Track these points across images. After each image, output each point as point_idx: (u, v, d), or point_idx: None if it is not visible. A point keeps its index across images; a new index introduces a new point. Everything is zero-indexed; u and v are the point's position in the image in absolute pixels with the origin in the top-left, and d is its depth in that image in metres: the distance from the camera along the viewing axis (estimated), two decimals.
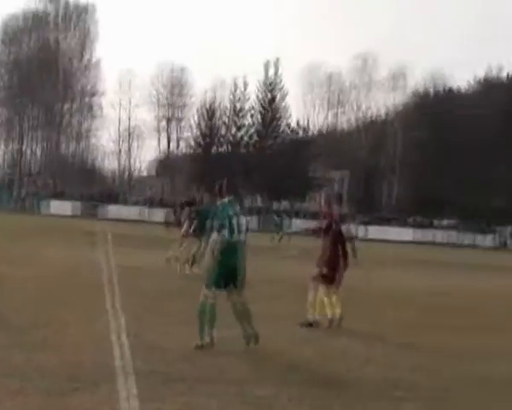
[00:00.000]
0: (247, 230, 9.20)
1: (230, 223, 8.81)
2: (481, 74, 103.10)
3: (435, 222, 73.52)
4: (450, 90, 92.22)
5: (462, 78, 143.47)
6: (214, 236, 8.85)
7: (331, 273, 11.01)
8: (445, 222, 73.80)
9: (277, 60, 76.43)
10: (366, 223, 63.81)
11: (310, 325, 10.84)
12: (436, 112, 79.90)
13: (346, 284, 11.49)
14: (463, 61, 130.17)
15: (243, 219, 9.06)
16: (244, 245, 8.98)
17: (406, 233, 61.59)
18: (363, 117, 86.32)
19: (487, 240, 67.18)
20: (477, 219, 72.77)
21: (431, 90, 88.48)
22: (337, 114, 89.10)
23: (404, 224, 66.74)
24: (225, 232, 8.79)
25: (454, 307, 15.16)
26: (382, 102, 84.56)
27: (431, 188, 75.67)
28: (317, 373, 7.99)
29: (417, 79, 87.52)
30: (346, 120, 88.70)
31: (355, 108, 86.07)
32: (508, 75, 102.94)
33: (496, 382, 7.99)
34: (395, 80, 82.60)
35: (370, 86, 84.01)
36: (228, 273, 8.78)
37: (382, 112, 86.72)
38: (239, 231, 8.88)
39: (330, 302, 10.98)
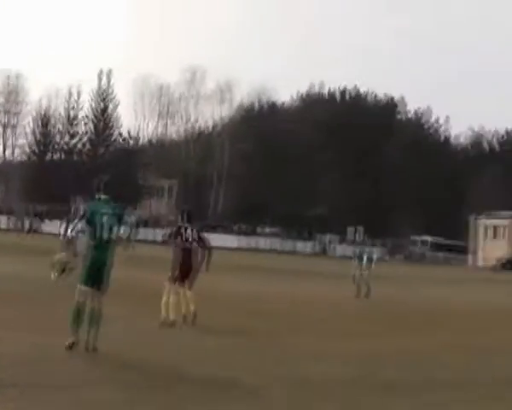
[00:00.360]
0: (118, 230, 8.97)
1: (101, 221, 8.70)
2: (304, 90, 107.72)
3: (259, 229, 75.47)
4: (274, 104, 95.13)
5: (286, 93, 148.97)
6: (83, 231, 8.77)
7: (184, 276, 11.84)
8: (268, 230, 75.88)
9: (110, 71, 76.87)
10: None
11: (171, 324, 11.40)
12: (261, 125, 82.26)
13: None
14: (287, 76, 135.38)
15: (114, 219, 8.83)
16: (113, 244, 8.86)
17: (232, 240, 62.66)
18: (192, 128, 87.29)
19: (308, 247, 69.73)
20: (299, 226, 75.64)
21: (256, 104, 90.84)
22: (167, 124, 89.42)
23: (230, 231, 67.95)
24: (94, 230, 8.69)
25: (276, 312, 15.65)
26: (210, 114, 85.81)
27: (255, 197, 77.75)
28: (153, 374, 8.03)
29: (244, 93, 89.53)
30: (175, 130, 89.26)
31: (184, 119, 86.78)
32: (329, 91, 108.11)
33: (316, 382, 8.25)
34: (222, 93, 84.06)
35: (199, 99, 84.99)
36: (95, 272, 8.69)
37: (210, 124, 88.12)
38: (110, 231, 8.75)
39: (183, 301, 11.76)
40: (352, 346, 11.29)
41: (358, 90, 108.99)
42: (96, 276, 8.69)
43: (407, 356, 10.70)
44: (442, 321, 16.46)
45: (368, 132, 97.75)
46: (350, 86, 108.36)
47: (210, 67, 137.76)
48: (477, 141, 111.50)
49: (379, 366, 9.50)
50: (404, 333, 13.55)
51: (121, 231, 8.96)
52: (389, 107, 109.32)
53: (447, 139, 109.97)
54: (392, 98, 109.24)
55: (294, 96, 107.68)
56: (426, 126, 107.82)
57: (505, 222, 76.64)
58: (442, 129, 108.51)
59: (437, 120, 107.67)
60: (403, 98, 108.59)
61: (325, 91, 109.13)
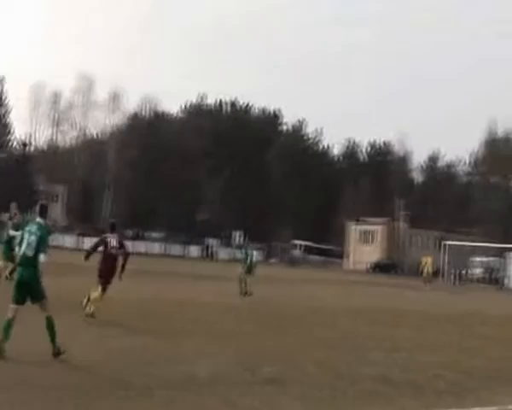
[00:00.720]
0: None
1: (27, 240, 9.15)
2: (191, 101, 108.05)
3: (148, 234, 74.91)
4: (162, 114, 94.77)
5: (174, 103, 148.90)
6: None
7: (106, 279, 13.66)
8: (156, 234, 75.43)
9: (3, 77, 75.44)
10: (82, 234, 63.48)
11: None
12: (148, 133, 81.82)
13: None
14: (175, 87, 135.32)
15: (37, 238, 9.15)
16: (37, 261, 9.07)
17: None
18: (83, 135, 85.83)
19: (195, 251, 69.64)
20: (186, 231, 75.67)
21: (144, 113, 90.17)
22: (60, 131, 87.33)
23: (121, 236, 66.72)
24: (21, 247, 9.25)
25: (167, 314, 15.78)
26: (100, 122, 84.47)
27: (144, 203, 77.22)
28: (54, 376, 8.05)
29: (133, 102, 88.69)
30: (68, 137, 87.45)
31: (76, 126, 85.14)
32: (215, 103, 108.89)
33: (204, 380, 8.45)
34: (112, 102, 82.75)
35: (90, 106, 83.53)
36: (24, 288, 9.13)
37: (100, 131, 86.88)
38: (35, 249, 9.09)
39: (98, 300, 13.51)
40: (236, 345, 11.55)
41: (241, 102, 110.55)
42: (25, 292, 9.11)
43: (284, 353, 11.05)
44: (315, 320, 17.03)
45: (251, 142, 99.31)
46: (234, 98, 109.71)
47: (101, 75, 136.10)
48: (350, 152, 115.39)
49: (259, 363, 9.79)
50: (282, 331, 13.93)
51: (41, 258, 9.14)
52: (270, 118, 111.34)
53: (324, 150, 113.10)
54: (273, 110, 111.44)
55: (182, 107, 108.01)
56: (305, 138, 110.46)
57: (376, 228, 79.84)
58: (318, 140, 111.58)
59: (314, 132, 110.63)
60: (280, 111, 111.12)
61: (210, 103, 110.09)
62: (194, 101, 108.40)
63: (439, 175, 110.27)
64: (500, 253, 65.30)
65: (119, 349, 10.29)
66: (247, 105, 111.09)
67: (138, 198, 77.81)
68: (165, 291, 22.51)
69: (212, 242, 71.75)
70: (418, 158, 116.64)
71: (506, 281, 55.83)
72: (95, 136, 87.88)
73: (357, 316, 19.20)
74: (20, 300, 9.13)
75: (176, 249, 66.50)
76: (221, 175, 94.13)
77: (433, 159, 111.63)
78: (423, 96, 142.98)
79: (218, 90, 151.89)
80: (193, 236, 76.61)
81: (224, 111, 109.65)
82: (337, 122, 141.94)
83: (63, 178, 78.05)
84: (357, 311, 20.89)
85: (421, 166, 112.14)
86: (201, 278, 32.95)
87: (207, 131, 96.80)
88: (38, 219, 9.53)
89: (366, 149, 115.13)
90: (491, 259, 65.81)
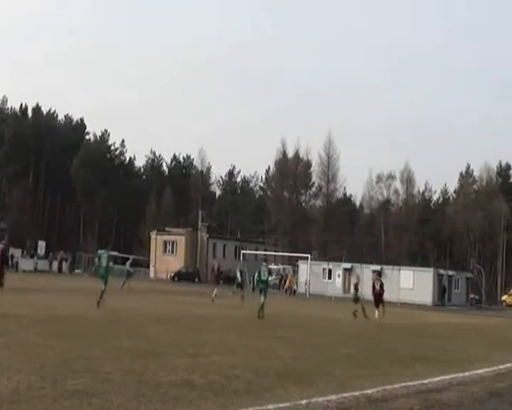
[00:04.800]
0: None
1: (263, 273, 22.18)
2: None
3: None
4: None
5: None
6: None
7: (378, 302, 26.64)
8: None
9: None
10: None
11: None
12: None
13: None
14: None
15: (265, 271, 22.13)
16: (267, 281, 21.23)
17: None
18: None
19: None
20: None
21: None
22: None
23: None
24: (260, 277, 22.28)
25: None
26: None
27: None
28: None
29: None
30: None
31: None
32: (21, 107, 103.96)
33: (5, 396, 8.03)
34: None
35: None
36: (262, 291, 22.37)
37: None
38: (265, 275, 21.82)
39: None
40: (40, 358, 11.07)
41: (46, 108, 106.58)
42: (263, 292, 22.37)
43: (89, 364, 10.75)
44: (121, 329, 16.77)
45: (55, 149, 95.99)
46: (38, 103, 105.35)
47: None
48: (154, 164, 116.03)
49: (63, 376, 9.47)
50: (87, 342, 13.56)
51: (270, 279, 19.72)
52: (76, 126, 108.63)
53: (129, 161, 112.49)
54: (80, 119, 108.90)
55: None
56: (111, 148, 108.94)
57: (178, 238, 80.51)
58: (122, 151, 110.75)
59: (122, 143, 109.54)
60: (83, 120, 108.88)
61: (14, 106, 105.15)
62: None
63: (236, 189, 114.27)
64: (292, 261, 68.78)
65: None
66: (53, 111, 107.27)
67: None
68: None
69: (14, 252, 67.54)
70: (217, 172, 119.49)
71: (297, 287, 58.84)
72: None
73: (162, 324, 19.19)
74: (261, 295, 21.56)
75: None
76: (23, 182, 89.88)
77: (231, 174, 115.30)
78: (221, 112, 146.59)
79: (22, 94, 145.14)
80: None
81: (27, 116, 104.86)
82: (139, 135, 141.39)
83: None
84: (162, 319, 20.89)
85: (221, 180, 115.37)
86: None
87: (9, 135, 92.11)
88: (264, 264, 20.57)
89: (168, 162, 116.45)
90: (283, 267, 68.98)
